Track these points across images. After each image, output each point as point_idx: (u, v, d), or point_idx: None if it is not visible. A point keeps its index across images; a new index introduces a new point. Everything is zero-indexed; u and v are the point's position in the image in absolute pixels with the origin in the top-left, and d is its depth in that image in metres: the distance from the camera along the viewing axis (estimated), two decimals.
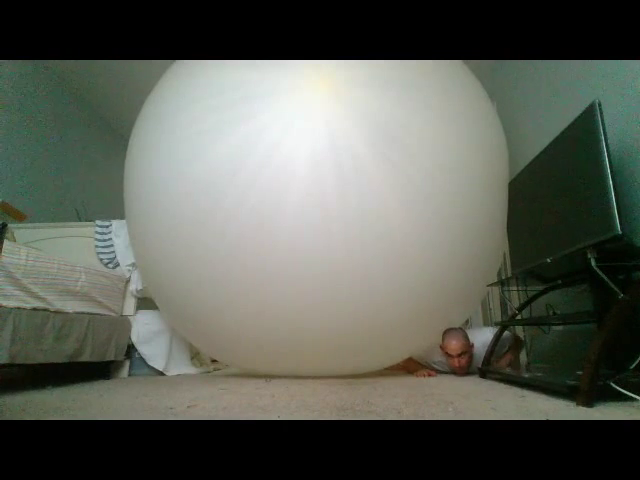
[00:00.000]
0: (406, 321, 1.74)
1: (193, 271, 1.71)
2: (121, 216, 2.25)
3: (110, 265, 2.38)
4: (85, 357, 1.86)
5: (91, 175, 3.63)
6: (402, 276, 1.63)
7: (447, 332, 1.87)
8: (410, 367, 2.08)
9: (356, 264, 1.58)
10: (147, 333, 2.33)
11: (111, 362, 2.15)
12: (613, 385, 1.02)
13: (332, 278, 1.59)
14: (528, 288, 1.87)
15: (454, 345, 1.82)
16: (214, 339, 1.96)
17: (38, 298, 1.66)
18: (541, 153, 1.67)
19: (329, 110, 1.57)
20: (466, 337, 1.85)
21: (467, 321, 2.87)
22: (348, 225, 1.55)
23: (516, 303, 2.06)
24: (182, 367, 2.41)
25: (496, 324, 2.02)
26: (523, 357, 2.32)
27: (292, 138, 1.55)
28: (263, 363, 1.95)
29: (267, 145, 1.55)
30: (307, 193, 1.53)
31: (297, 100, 1.58)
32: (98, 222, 2.47)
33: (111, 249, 2.42)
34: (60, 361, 1.72)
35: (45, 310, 1.68)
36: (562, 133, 1.51)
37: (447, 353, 1.86)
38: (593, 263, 1.16)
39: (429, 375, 1.92)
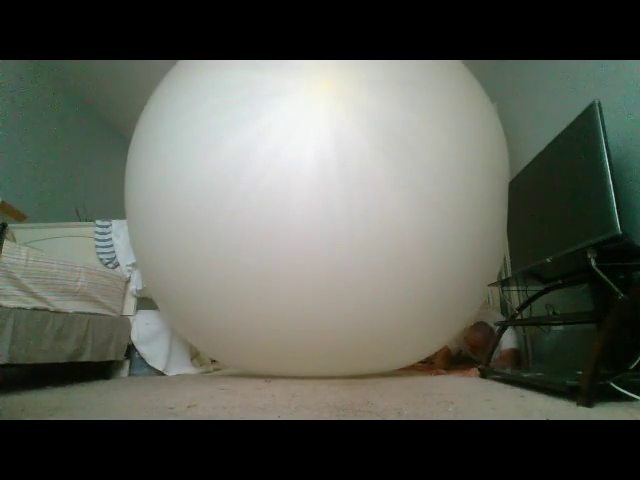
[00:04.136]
0: (407, 321, 1.74)
1: (194, 271, 1.71)
2: (121, 216, 2.24)
3: (110, 265, 2.38)
4: (85, 357, 1.85)
5: (91, 175, 3.63)
6: (404, 276, 1.63)
7: (475, 324, 2.23)
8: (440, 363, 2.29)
9: (360, 264, 1.57)
10: (147, 333, 2.33)
11: (111, 362, 2.15)
12: (613, 385, 1.02)
13: (335, 278, 1.58)
14: (528, 288, 1.87)
15: (472, 337, 2.23)
16: (214, 339, 1.95)
17: (38, 298, 1.66)
18: (541, 153, 1.67)
19: (333, 110, 1.57)
20: (489, 336, 2.11)
21: None
22: (353, 225, 1.54)
23: (516, 303, 2.06)
24: (182, 367, 2.40)
25: (496, 324, 2.02)
26: (523, 357, 2.32)
27: (296, 138, 1.55)
28: (263, 363, 1.95)
29: (271, 145, 1.55)
30: (312, 193, 1.53)
31: (301, 100, 1.58)
32: (98, 222, 2.47)
33: (111, 249, 2.42)
34: (60, 361, 1.71)
35: (45, 310, 1.68)
36: (562, 133, 1.51)
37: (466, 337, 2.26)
38: (593, 263, 1.16)
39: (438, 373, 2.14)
